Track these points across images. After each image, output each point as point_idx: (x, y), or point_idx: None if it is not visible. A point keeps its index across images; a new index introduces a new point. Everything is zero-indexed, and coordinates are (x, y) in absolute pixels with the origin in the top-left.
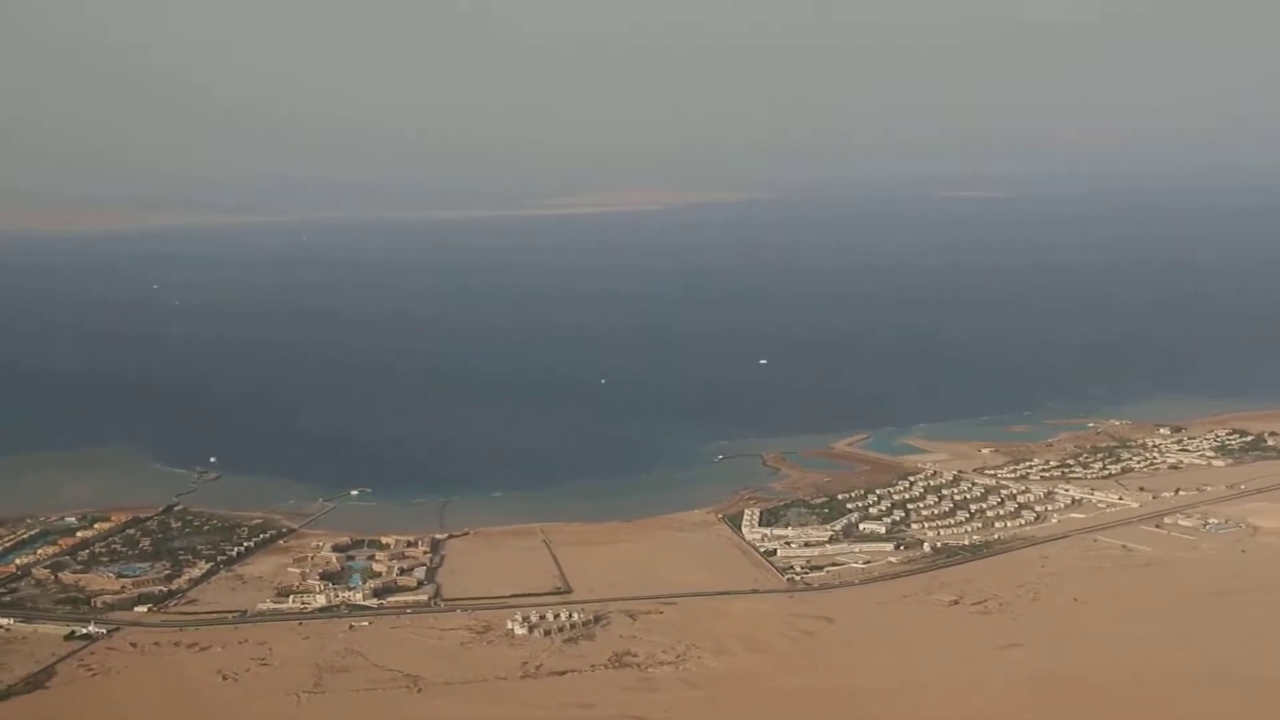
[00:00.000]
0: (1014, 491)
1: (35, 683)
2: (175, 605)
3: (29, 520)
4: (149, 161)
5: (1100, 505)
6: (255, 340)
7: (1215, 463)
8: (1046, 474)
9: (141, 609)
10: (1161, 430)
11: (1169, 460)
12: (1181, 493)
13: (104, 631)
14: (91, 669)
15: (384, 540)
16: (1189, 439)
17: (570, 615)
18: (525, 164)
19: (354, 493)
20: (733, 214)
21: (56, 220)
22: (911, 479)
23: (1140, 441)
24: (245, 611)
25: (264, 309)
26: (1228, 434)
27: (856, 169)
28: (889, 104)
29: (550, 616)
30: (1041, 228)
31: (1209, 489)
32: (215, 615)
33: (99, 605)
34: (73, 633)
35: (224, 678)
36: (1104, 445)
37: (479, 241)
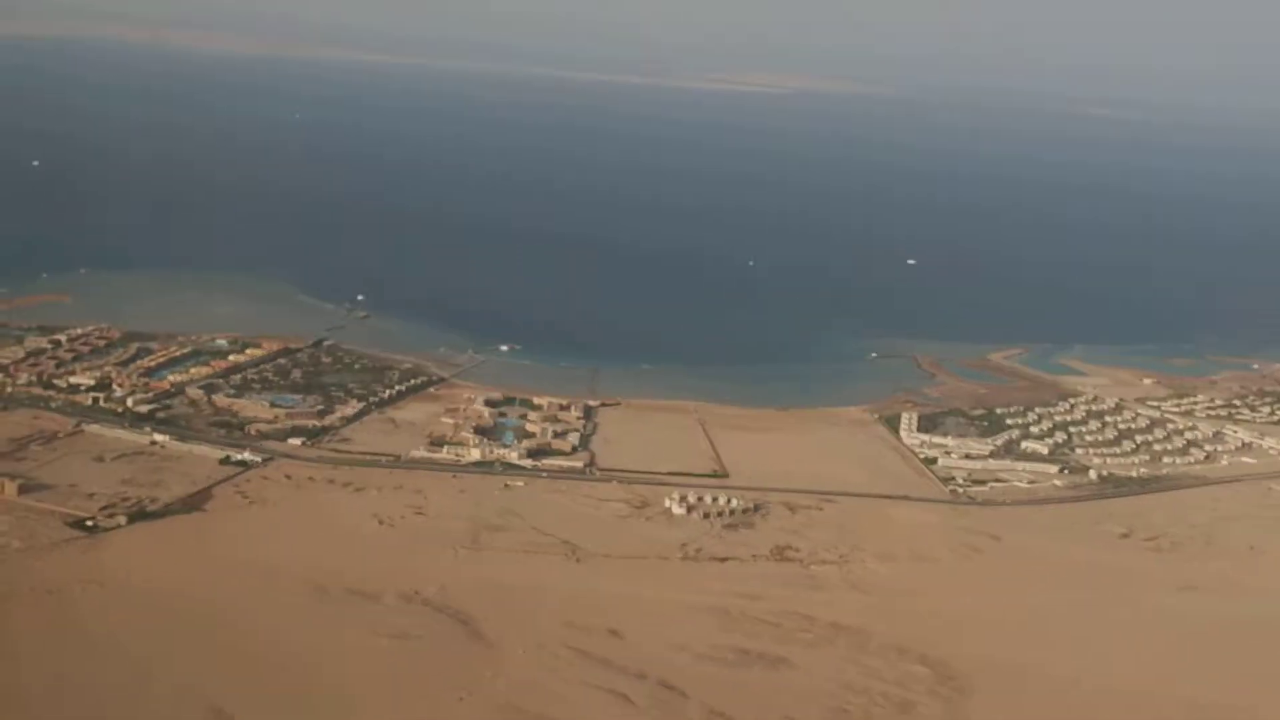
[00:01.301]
0: (1180, 427)
1: (193, 504)
2: (328, 441)
3: (180, 338)
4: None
5: (1272, 452)
6: (401, 188)
7: None
8: (1212, 412)
9: (295, 441)
10: None
11: None
12: None
13: (258, 460)
14: (247, 496)
15: (536, 400)
16: None
17: (729, 500)
18: (662, 37)
19: (504, 348)
20: (861, 107)
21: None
22: (1072, 401)
23: None
24: (399, 456)
25: (409, 160)
26: None
27: (980, 78)
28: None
29: (708, 499)
30: (1185, 158)
31: None
32: (369, 456)
33: (253, 433)
34: (228, 458)
35: (380, 522)
36: (1270, 389)
37: (624, 109)
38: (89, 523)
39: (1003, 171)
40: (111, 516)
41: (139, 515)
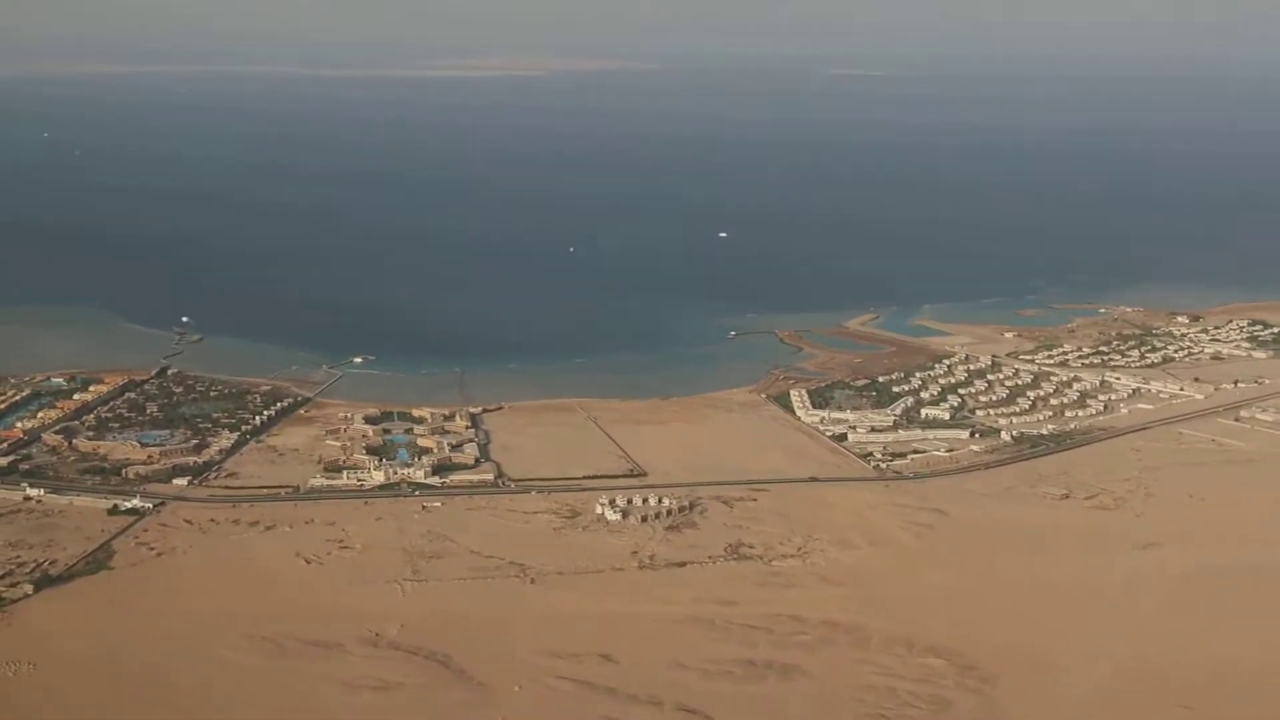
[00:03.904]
0: (1066, 379)
1: (97, 562)
2: (215, 478)
3: (12, 380)
4: None
5: (1163, 396)
6: (185, 193)
7: (1255, 354)
8: (1084, 361)
9: (180, 481)
10: (1179, 319)
11: (1206, 350)
12: (1240, 385)
13: (149, 506)
14: (153, 548)
15: (416, 413)
16: (1214, 328)
17: (661, 500)
18: (398, 22)
19: (358, 360)
20: (632, 83)
21: None
22: (947, 362)
23: (1164, 329)
24: (297, 487)
25: (179, 158)
26: (1249, 324)
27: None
28: None
29: (639, 501)
30: (950, 110)
31: (1267, 381)
32: (266, 490)
33: (132, 476)
34: (115, 507)
35: (306, 561)
36: (1128, 333)
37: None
38: None
39: (768, 135)
40: (14, 585)
41: (44, 581)
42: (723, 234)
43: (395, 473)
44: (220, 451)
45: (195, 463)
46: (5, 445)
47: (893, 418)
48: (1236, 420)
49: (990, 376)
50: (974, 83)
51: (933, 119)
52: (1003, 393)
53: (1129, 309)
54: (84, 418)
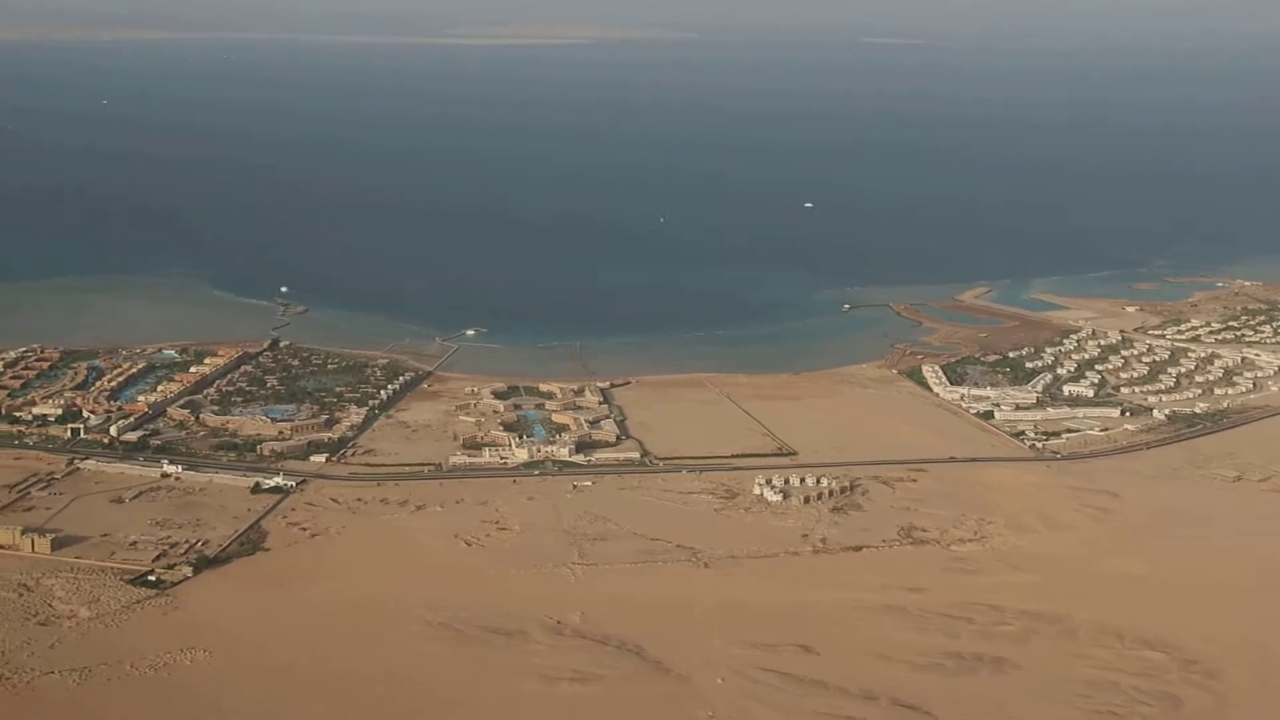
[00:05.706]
0: (1205, 355)
1: (251, 543)
2: (353, 455)
3: (123, 352)
4: None
5: None
6: (252, 164)
7: None
8: (1216, 337)
9: (318, 458)
10: None
11: None
12: None
13: (293, 484)
14: (305, 528)
15: (543, 388)
16: None
17: (820, 480)
18: None
19: (470, 332)
20: (672, 54)
21: None
22: (1076, 338)
23: None
24: (439, 465)
25: (243, 131)
26: None
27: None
28: None
29: (796, 481)
30: (1004, 83)
31: None
32: (409, 468)
33: (267, 453)
34: (257, 485)
35: (466, 544)
36: (1253, 306)
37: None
38: (150, 577)
39: (824, 107)
40: (172, 568)
41: (202, 563)
42: (808, 204)
43: (538, 450)
44: (352, 427)
45: (329, 439)
46: (132, 420)
47: (1035, 395)
48: None
49: (1124, 352)
50: (1024, 56)
51: (986, 92)
52: (1142, 369)
53: (1246, 283)
54: (205, 391)
